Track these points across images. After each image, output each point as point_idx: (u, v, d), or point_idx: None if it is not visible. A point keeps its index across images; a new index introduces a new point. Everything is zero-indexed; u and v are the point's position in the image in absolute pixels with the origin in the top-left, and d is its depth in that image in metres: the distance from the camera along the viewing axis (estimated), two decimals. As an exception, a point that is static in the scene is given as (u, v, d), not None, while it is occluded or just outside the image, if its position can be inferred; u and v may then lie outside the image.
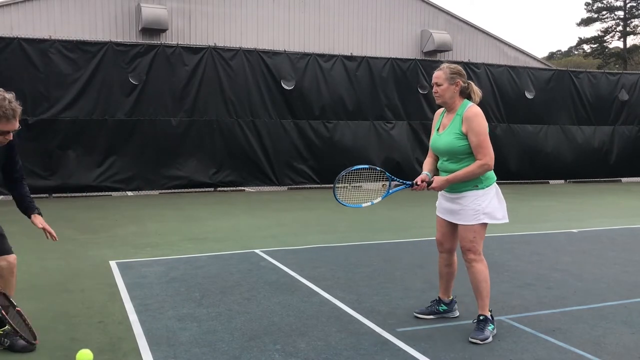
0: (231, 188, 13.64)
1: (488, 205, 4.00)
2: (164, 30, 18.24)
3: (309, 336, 4.03)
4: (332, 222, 9.28)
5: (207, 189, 13.37)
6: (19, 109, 3.48)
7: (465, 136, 3.96)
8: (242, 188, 13.84)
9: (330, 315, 4.50)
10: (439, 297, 4.44)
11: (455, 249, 4.28)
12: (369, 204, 4.13)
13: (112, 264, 6.10)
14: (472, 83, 4.16)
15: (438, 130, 4.18)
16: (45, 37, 12.44)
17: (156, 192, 13.01)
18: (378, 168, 4.27)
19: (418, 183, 4.03)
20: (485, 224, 4.02)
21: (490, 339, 3.94)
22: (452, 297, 4.44)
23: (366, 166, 4.22)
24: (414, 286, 5.35)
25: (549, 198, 13.08)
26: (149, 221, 9.04)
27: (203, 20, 19.06)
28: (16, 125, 3.49)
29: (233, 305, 4.71)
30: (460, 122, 3.99)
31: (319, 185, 14.36)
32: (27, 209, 3.88)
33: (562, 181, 17.29)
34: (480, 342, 3.89)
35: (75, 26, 17.25)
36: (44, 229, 3.85)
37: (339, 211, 10.56)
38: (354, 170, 4.15)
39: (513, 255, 6.74)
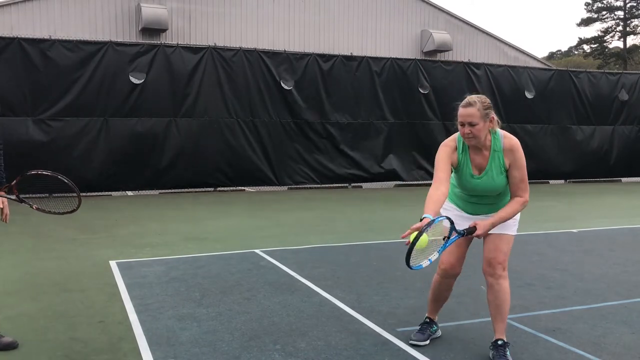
0: (231, 188, 13.64)
1: (518, 215, 3.74)
2: (164, 30, 18.25)
3: (309, 336, 4.03)
4: (332, 222, 9.28)
5: (207, 189, 13.37)
6: None
7: (507, 172, 3.57)
8: (242, 188, 13.84)
9: (330, 315, 4.50)
10: (429, 319, 4.02)
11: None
12: (428, 262, 3.19)
13: (112, 264, 6.10)
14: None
15: (472, 173, 3.61)
16: (45, 37, 12.44)
17: (156, 192, 13.01)
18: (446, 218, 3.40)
19: (465, 232, 3.46)
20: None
21: None
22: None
23: (442, 217, 3.30)
24: (414, 286, 5.35)
25: (549, 198, 13.08)
26: (149, 221, 9.04)
27: (203, 20, 19.07)
28: None
29: (233, 305, 4.71)
30: (503, 158, 3.55)
31: (318, 185, 14.37)
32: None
33: (562, 181, 17.29)
34: None
35: (75, 26, 17.25)
36: (2, 209, 3.81)
37: (339, 211, 10.56)
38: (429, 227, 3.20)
39: (513, 255, 6.69)
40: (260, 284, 5.36)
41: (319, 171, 14.31)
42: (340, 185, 14.77)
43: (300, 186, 14.24)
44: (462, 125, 3.48)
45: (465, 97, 3.56)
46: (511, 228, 3.67)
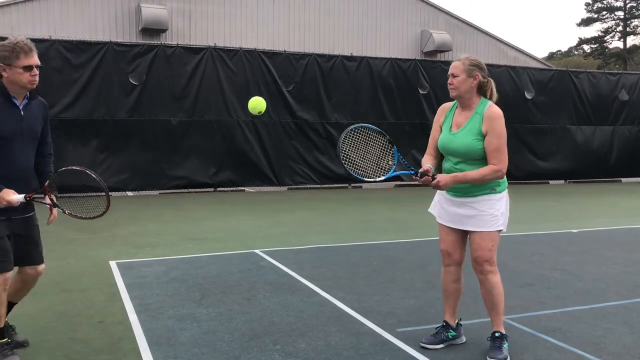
0: (231, 188, 13.63)
1: (504, 211, 3.71)
2: (164, 30, 18.24)
3: (309, 336, 4.03)
4: (332, 222, 9.28)
5: (207, 189, 13.37)
6: (32, 44, 3.44)
7: (484, 137, 3.65)
8: (242, 188, 13.84)
9: (330, 315, 4.50)
10: (445, 322, 3.94)
11: (464, 260, 3.90)
12: (371, 180, 3.77)
13: (112, 264, 6.10)
14: (492, 81, 3.85)
15: (451, 129, 3.79)
16: (45, 37, 12.43)
17: (156, 192, 13.00)
18: (387, 137, 3.92)
19: (419, 172, 3.65)
20: (500, 230, 3.70)
21: (508, 358, 3.65)
22: (458, 320, 3.99)
23: (376, 128, 3.87)
24: (414, 286, 5.35)
25: (549, 198, 13.08)
26: (149, 221, 9.03)
27: (203, 20, 19.06)
28: (37, 59, 3.45)
29: (233, 305, 4.71)
30: (481, 122, 3.66)
31: (318, 186, 14.37)
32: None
33: (562, 181, 17.29)
34: None
35: (75, 26, 17.24)
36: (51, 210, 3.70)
37: (339, 211, 10.56)
38: (362, 128, 3.85)
39: (513, 255, 6.73)
40: (260, 284, 5.36)
41: (319, 171, 14.31)
42: (340, 185, 14.76)
43: (300, 186, 14.24)
44: (449, 77, 3.79)
45: None
46: (488, 224, 3.66)
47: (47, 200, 3.60)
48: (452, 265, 3.88)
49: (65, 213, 3.66)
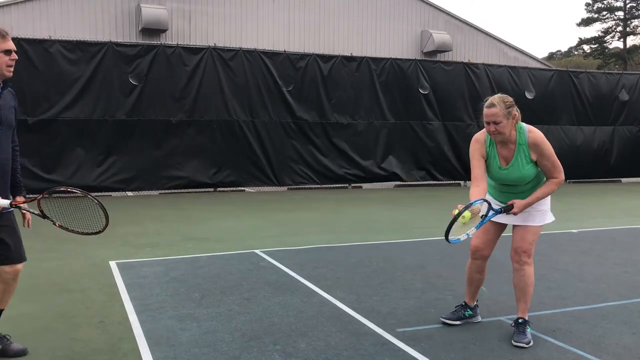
0: (231, 188, 13.63)
1: (549, 205, 4.03)
2: (164, 31, 18.25)
3: (309, 336, 4.03)
4: (332, 222, 9.28)
5: (207, 189, 13.37)
6: (5, 27, 3.40)
7: (535, 163, 3.85)
8: (242, 188, 13.84)
9: (330, 315, 4.50)
10: (465, 302, 4.34)
11: (490, 255, 4.20)
12: (466, 236, 3.60)
13: (112, 264, 6.10)
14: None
15: (500, 165, 3.91)
16: (45, 37, 12.43)
17: (156, 192, 13.00)
18: (484, 200, 3.76)
19: (503, 209, 3.84)
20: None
21: (532, 342, 3.90)
22: (476, 302, 4.38)
23: (480, 200, 3.69)
24: (414, 286, 5.35)
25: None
26: (149, 221, 9.04)
27: (203, 20, 19.07)
28: (13, 44, 3.38)
29: (233, 305, 4.71)
30: (528, 151, 3.82)
31: (318, 186, 14.37)
32: (15, 188, 3.58)
33: (562, 181, 17.27)
34: (526, 346, 3.83)
35: (75, 26, 17.25)
36: (24, 214, 3.56)
37: (339, 211, 10.56)
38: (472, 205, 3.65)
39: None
40: (260, 284, 5.36)
41: (319, 171, 14.31)
42: (340, 185, 14.76)
43: (300, 186, 14.24)
44: (488, 124, 3.79)
45: (488, 99, 3.85)
46: (536, 219, 3.95)
47: (36, 211, 3.41)
48: (479, 260, 4.18)
49: (55, 225, 3.49)
